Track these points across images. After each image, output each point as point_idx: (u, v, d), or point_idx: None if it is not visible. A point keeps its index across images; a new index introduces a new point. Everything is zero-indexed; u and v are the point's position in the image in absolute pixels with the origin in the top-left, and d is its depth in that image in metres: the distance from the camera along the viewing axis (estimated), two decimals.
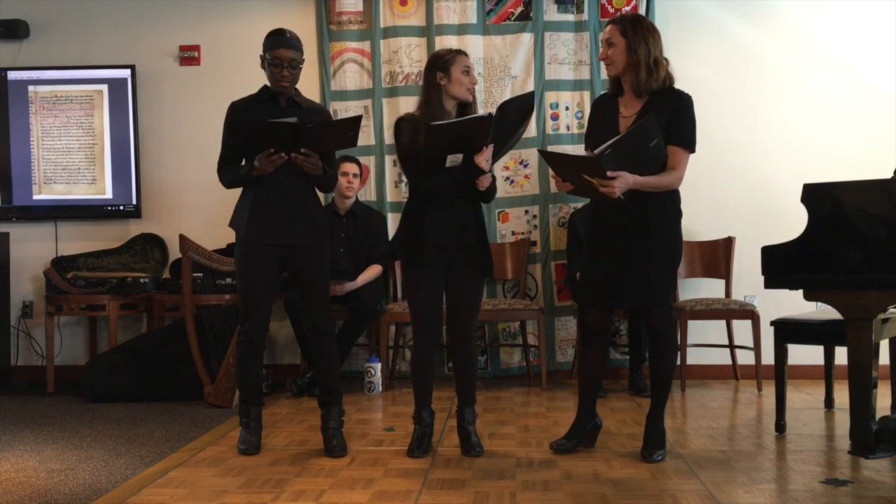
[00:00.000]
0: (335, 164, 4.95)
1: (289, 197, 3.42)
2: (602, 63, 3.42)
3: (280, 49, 3.39)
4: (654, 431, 3.37)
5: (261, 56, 3.47)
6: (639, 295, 3.26)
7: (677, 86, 5.60)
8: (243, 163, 3.48)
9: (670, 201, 3.27)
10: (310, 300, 3.51)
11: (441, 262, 3.38)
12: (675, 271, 3.34)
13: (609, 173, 3.00)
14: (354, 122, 3.35)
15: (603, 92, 3.50)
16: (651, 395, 3.45)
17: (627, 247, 3.23)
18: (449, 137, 3.20)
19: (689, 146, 3.26)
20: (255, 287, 3.46)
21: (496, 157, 3.31)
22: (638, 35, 3.21)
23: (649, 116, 3.10)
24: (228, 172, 3.48)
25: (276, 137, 3.28)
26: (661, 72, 3.23)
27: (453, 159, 3.24)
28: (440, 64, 3.36)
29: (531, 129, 5.32)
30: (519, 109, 3.28)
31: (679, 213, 3.32)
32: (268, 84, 3.50)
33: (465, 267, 3.39)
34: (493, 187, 3.41)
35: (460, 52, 3.42)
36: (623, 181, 3.04)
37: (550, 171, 3.18)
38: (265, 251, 3.44)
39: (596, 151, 2.97)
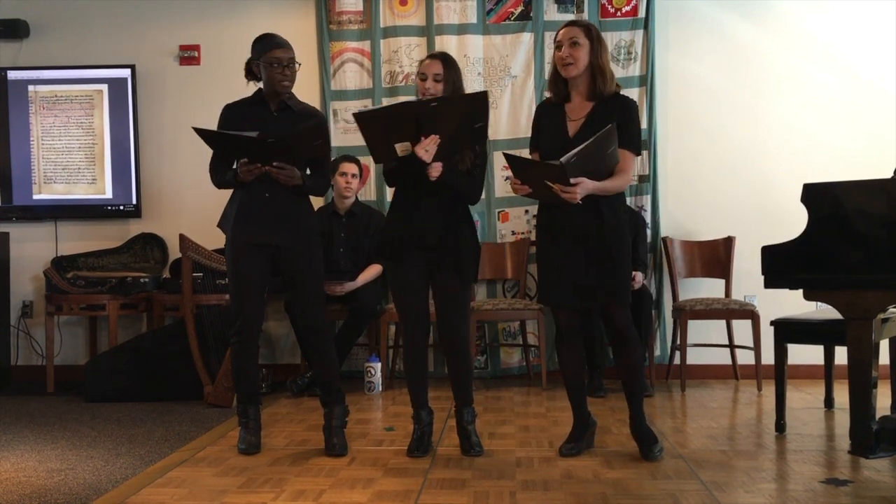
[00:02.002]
0: (336, 164, 4.98)
1: (275, 198, 3.42)
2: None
3: (276, 50, 3.40)
4: (643, 432, 3.37)
5: (252, 63, 3.45)
6: (604, 295, 3.27)
7: (679, 85, 5.62)
8: (234, 165, 3.49)
9: (619, 202, 3.34)
10: (303, 300, 3.52)
11: (421, 262, 3.37)
12: (630, 269, 3.40)
13: (571, 180, 3.04)
14: (318, 130, 3.35)
15: (547, 98, 3.48)
16: (627, 399, 3.40)
17: (586, 249, 3.25)
18: (380, 124, 3.20)
19: (637, 149, 3.34)
20: (243, 286, 3.46)
21: (449, 151, 3.25)
22: (600, 41, 3.29)
23: (612, 126, 3.13)
24: (219, 174, 3.51)
25: (245, 148, 3.30)
26: (613, 80, 3.32)
27: (403, 148, 3.23)
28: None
29: (529, 129, 5.31)
30: (469, 107, 3.23)
31: (626, 213, 3.41)
32: (261, 88, 3.50)
33: (442, 270, 3.38)
34: (466, 187, 3.36)
35: (426, 57, 3.44)
36: (583, 187, 3.08)
37: (510, 175, 3.20)
38: (253, 251, 3.45)
39: (562, 159, 3.00)
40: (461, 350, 3.47)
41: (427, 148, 3.18)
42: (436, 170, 3.24)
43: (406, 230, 3.37)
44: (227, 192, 3.59)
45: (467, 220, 3.45)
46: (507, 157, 3.20)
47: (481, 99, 3.22)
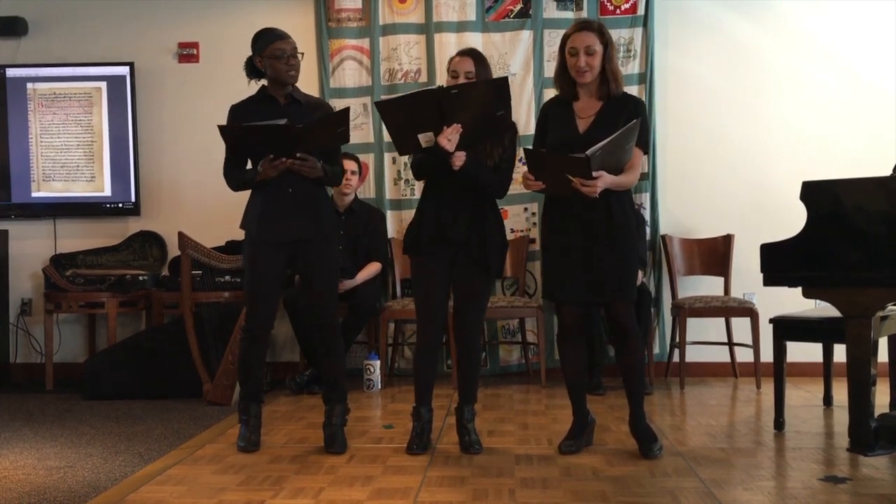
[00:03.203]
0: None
1: (297, 194, 3.43)
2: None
3: (279, 42, 3.40)
4: (642, 431, 3.37)
5: (254, 59, 3.44)
6: (611, 291, 3.28)
7: (678, 83, 5.62)
8: (248, 166, 3.48)
9: (628, 199, 3.35)
10: (319, 295, 3.51)
11: (444, 257, 3.38)
12: (636, 267, 3.40)
13: (593, 173, 3.05)
14: (342, 116, 3.35)
15: (554, 96, 3.49)
16: (627, 397, 3.40)
17: (595, 245, 3.25)
18: (402, 113, 3.21)
19: (646, 147, 3.36)
20: (262, 286, 3.46)
21: (473, 140, 3.26)
22: (611, 42, 3.29)
23: (637, 121, 3.15)
24: (235, 177, 3.50)
25: (269, 141, 3.29)
26: (622, 79, 3.33)
27: (426, 139, 3.24)
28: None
29: (529, 126, 5.31)
30: (490, 93, 3.23)
31: (634, 211, 3.42)
32: (265, 84, 3.50)
33: (465, 264, 3.39)
34: (493, 183, 3.36)
35: (456, 55, 3.45)
36: (604, 181, 3.09)
37: (524, 171, 3.21)
38: (274, 250, 3.45)
39: (588, 152, 3.00)
40: (471, 347, 3.47)
41: (449, 137, 3.19)
42: (459, 159, 3.24)
43: (432, 225, 3.37)
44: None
45: (495, 213, 3.45)
46: (525, 151, 3.21)
47: (501, 84, 3.23)
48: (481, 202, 3.39)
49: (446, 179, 3.31)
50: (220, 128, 3.32)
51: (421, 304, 3.45)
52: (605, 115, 3.26)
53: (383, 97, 3.27)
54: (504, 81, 3.24)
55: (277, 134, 3.26)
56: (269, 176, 3.34)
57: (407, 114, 3.22)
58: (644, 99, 5.29)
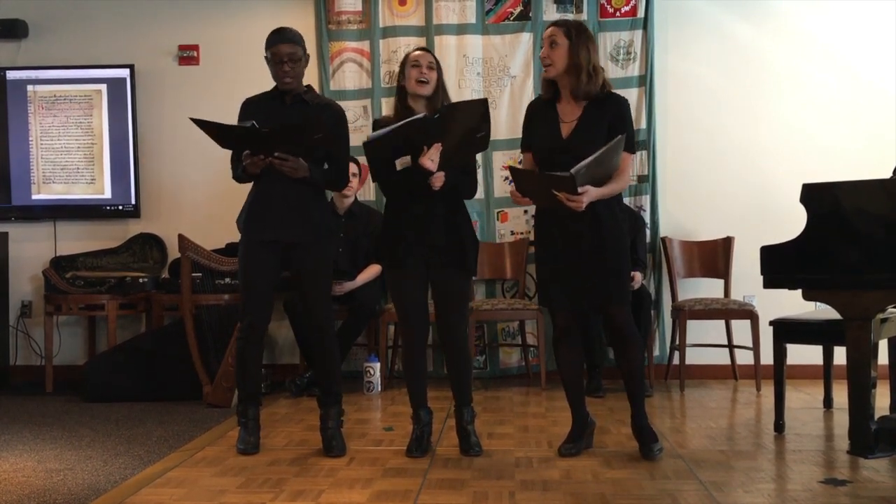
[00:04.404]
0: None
1: (287, 195, 3.42)
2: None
3: (277, 45, 3.41)
4: (643, 431, 3.38)
5: (265, 58, 3.48)
6: (602, 296, 3.28)
7: (678, 85, 5.60)
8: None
9: (615, 201, 3.35)
10: (310, 298, 3.51)
11: (419, 262, 3.38)
12: (629, 269, 3.41)
13: (578, 189, 3.07)
14: (316, 123, 3.31)
15: (538, 95, 3.50)
16: (628, 398, 3.41)
17: (584, 250, 3.26)
18: (388, 146, 3.23)
19: (632, 149, 3.36)
20: (253, 284, 3.47)
21: (451, 158, 3.28)
22: (581, 39, 3.27)
23: (622, 137, 3.15)
24: (235, 168, 3.52)
25: (244, 139, 3.31)
26: (599, 79, 3.30)
27: (403, 162, 3.25)
28: (400, 68, 3.46)
29: None
30: (471, 114, 3.25)
31: (623, 211, 3.43)
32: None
33: (442, 266, 3.39)
34: (465, 186, 3.41)
35: (415, 50, 3.48)
36: (589, 195, 3.11)
37: (511, 187, 3.23)
38: (264, 248, 3.45)
39: (573, 170, 3.02)
40: (461, 348, 3.47)
41: (432, 157, 3.21)
42: (438, 180, 3.26)
43: (409, 232, 3.37)
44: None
45: (464, 213, 3.47)
46: (511, 170, 3.25)
47: (481, 105, 3.24)
48: (451, 203, 3.40)
49: (417, 192, 3.31)
50: (194, 121, 3.32)
51: (401, 310, 3.47)
52: (588, 119, 3.27)
53: (370, 135, 3.27)
54: (483, 103, 3.26)
55: (246, 134, 3.28)
56: (253, 172, 3.36)
57: (393, 146, 3.23)
58: (644, 101, 5.31)
